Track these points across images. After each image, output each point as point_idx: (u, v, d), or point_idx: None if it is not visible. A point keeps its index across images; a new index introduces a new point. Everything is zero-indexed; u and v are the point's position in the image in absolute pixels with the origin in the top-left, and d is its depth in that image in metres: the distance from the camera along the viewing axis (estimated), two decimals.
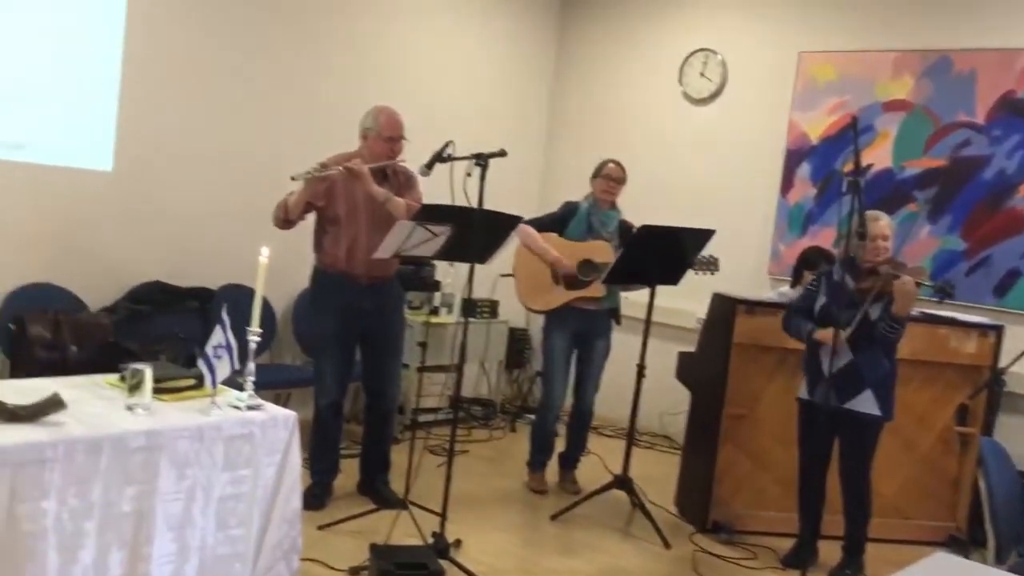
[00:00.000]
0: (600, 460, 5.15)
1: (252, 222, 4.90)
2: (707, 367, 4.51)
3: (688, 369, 4.73)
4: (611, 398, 5.18)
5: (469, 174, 3.53)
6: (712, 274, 4.42)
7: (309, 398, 4.99)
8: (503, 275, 5.13)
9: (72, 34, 4.29)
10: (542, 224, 4.63)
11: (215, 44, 4.87)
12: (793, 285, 4.85)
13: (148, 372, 2.68)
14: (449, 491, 3.65)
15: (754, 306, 4.40)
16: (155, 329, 4.59)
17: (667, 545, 4.15)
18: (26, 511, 2.30)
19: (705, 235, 4.26)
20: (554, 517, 4.37)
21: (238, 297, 4.80)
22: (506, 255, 4.33)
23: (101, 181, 4.51)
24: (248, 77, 5.04)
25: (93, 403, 2.69)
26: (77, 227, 4.47)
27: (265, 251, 2.86)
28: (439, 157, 3.72)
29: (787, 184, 5.74)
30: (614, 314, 4.75)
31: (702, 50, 6.11)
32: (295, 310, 5.29)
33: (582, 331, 4.68)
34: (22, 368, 4.12)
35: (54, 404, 2.47)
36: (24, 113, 4.20)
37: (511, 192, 5.46)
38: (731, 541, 4.27)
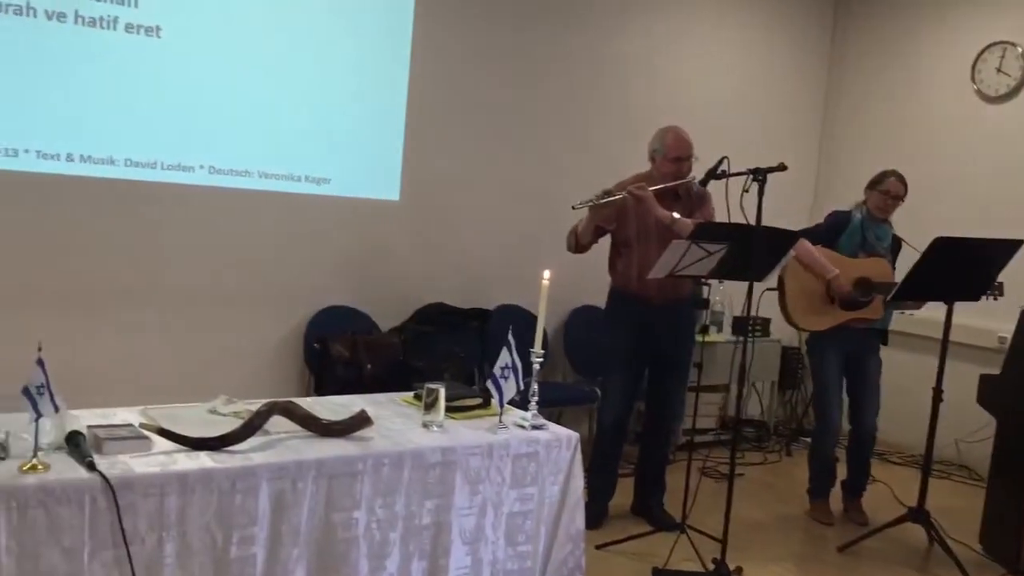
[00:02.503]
0: (888, 489, 4.80)
1: (526, 245, 5.11)
2: (1017, 391, 4.07)
3: (993, 393, 4.29)
4: (896, 422, 4.82)
5: (747, 190, 3.44)
6: (995, 299, 4.01)
7: (582, 416, 5.08)
8: (768, 289, 4.95)
9: (363, 81, 4.68)
10: (811, 237, 4.40)
11: (492, 75, 5.11)
12: None
13: (442, 391, 2.83)
14: (730, 516, 3.55)
15: None
16: (438, 348, 4.84)
17: None
18: (340, 520, 2.49)
19: (1012, 247, 3.86)
20: (841, 549, 4.12)
21: (513, 317, 4.99)
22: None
23: (390, 210, 4.85)
24: (525, 105, 5.24)
25: (393, 420, 2.87)
26: (370, 253, 4.84)
27: (547, 274, 2.93)
28: (713, 174, 3.66)
29: None
30: (882, 335, 4.43)
31: (999, 43, 5.58)
32: (566, 329, 5.39)
33: (853, 351, 4.41)
34: (325, 384, 4.51)
35: (363, 420, 2.66)
36: (327, 152, 4.62)
37: (782, 205, 5.25)
38: None
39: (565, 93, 5.37)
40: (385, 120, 4.77)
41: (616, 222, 3.96)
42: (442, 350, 4.83)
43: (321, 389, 4.49)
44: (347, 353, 4.52)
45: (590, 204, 3.79)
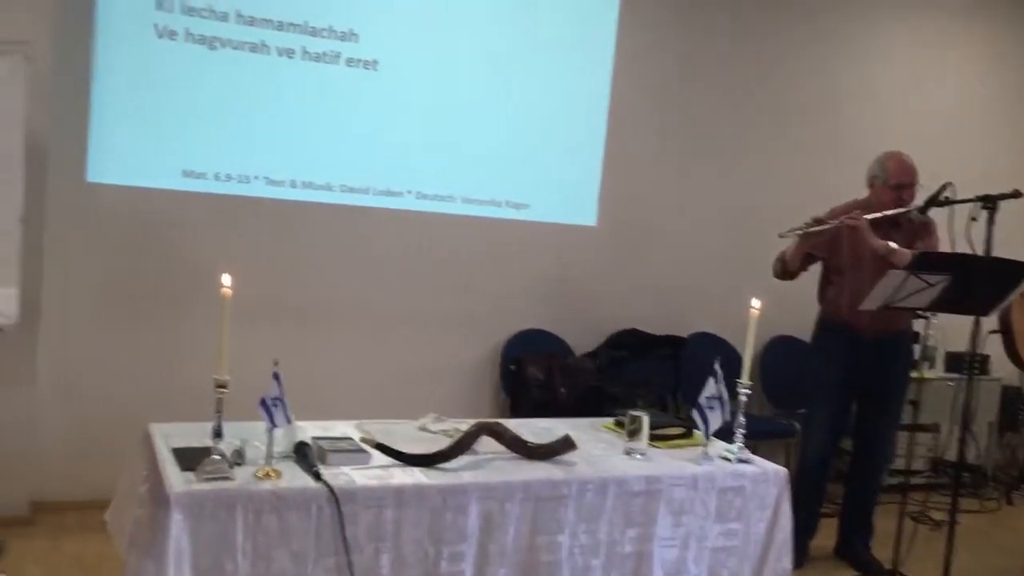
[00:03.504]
0: None
1: (724, 272, 5.01)
2: None
3: None
4: None
5: (974, 218, 3.22)
6: None
7: (778, 450, 4.90)
8: (991, 332, 4.60)
9: (564, 107, 4.76)
10: None
11: (695, 98, 5.06)
12: None
13: (646, 419, 2.80)
14: (951, 566, 3.31)
15: None
16: (630, 374, 4.81)
17: None
18: (544, 543, 2.52)
19: None
20: None
21: (709, 345, 4.90)
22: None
23: (587, 235, 4.89)
24: (730, 127, 5.15)
25: (595, 445, 2.87)
26: (566, 278, 4.89)
27: (756, 303, 2.86)
28: (935, 201, 3.46)
29: None
30: None
31: None
32: (763, 359, 5.22)
33: None
34: (520, 406, 4.57)
35: (567, 445, 2.68)
36: (527, 178, 4.72)
37: (1002, 235, 4.93)
38: None
39: (773, 115, 5.23)
40: (584, 146, 4.82)
41: (828, 250, 3.81)
42: (633, 376, 4.80)
43: (516, 410, 4.56)
44: (542, 376, 4.57)
45: (798, 232, 3.66)
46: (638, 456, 2.78)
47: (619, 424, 3.03)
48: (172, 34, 3.95)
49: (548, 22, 4.67)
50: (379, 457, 2.50)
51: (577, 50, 4.75)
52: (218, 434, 2.25)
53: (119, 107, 3.91)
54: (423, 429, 2.87)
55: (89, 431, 3.88)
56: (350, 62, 4.25)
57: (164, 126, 4.00)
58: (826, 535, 4.13)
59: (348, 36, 4.23)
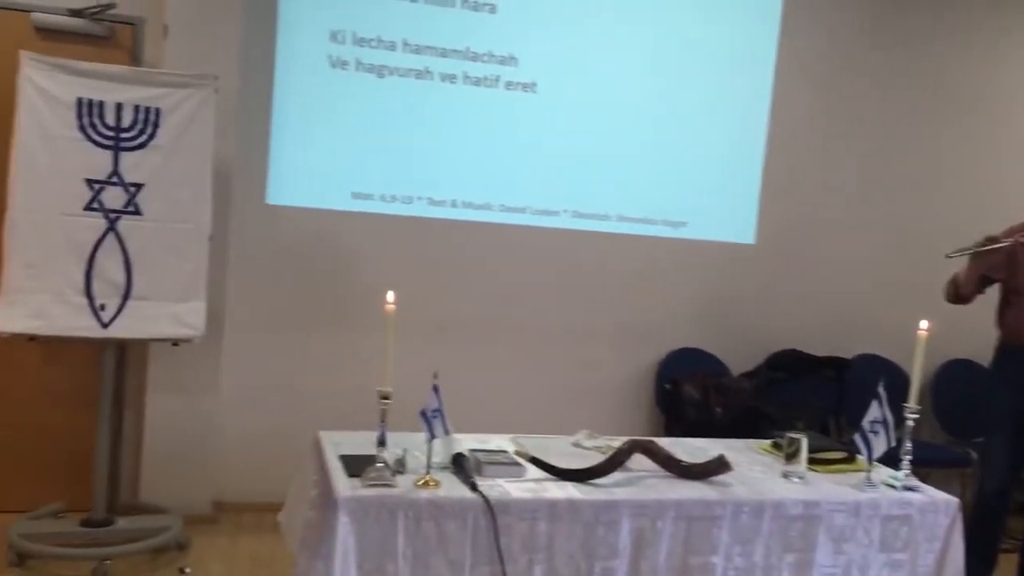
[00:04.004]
0: None
1: (890, 291, 4.82)
2: None
3: None
4: None
5: None
6: None
7: (951, 481, 4.64)
8: None
9: (723, 125, 4.73)
10: None
11: (856, 116, 4.91)
12: None
13: (805, 442, 2.74)
14: None
15: None
16: (789, 396, 4.69)
17: None
18: (698, 563, 2.49)
19: None
20: None
21: (875, 368, 4.70)
22: None
23: (745, 253, 4.82)
24: (895, 141, 4.99)
25: (751, 467, 2.82)
26: (724, 297, 4.82)
27: (924, 324, 2.74)
28: None
29: None
30: None
31: None
32: (936, 384, 4.96)
33: None
34: (675, 425, 4.54)
35: (721, 465, 2.65)
36: (685, 196, 4.71)
37: None
38: None
39: (945, 128, 5.01)
40: (743, 163, 4.77)
41: (1005, 271, 3.60)
42: (792, 398, 4.67)
43: (671, 429, 4.53)
44: (698, 395, 4.53)
45: (968, 252, 3.48)
46: (796, 479, 2.71)
47: (776, 446, 2.97)
48: (344, 64, 4.19)
49: (705, 38, 4.65)
50: (533, 471, 2.55)
51: (736, 66, 4.70)
52: (382, 443, 2.37)
53: (296, 134, 4.18)
54: (577, 445, 2.90)
55: (265, 437, 4.13)
56: (509, 85, 4.38)
57: (336, 151, 4.24)
58: (1005, 571, 3.88)
59: (508, 60, 4.36)
